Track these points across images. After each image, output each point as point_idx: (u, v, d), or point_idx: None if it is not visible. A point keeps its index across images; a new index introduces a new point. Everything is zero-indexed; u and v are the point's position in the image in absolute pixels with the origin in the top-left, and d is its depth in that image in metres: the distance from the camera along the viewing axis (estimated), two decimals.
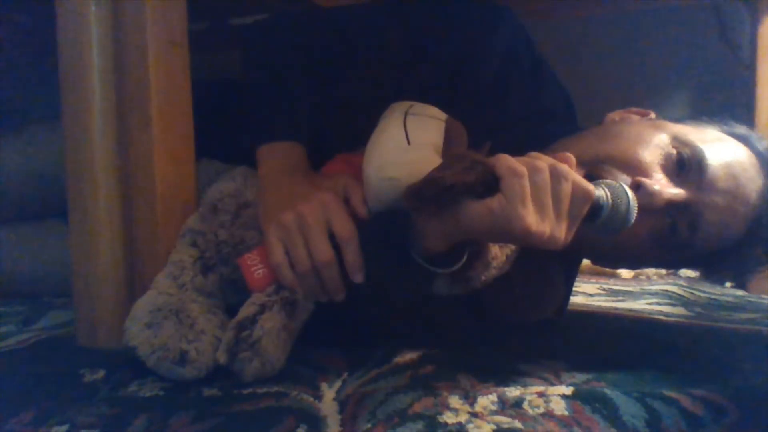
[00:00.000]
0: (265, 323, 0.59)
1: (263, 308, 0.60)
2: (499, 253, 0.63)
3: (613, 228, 0.59)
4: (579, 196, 0.55)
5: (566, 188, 0.54)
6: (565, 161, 0.56)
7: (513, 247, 0.64)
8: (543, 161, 0.54)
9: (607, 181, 0.61)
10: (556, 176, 0.53)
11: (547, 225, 0.53)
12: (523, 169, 0.53)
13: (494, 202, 0.53)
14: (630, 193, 0.59)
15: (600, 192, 0.58)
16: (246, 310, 0.61)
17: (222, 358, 0.59)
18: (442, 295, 0.64)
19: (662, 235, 0.69)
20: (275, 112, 0.75)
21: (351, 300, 0.64)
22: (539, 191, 0.53)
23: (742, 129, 0.75)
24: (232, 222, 0.67)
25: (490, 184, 0.53)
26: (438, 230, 0.57)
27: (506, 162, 0.53)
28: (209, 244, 0.66)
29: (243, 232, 0.67)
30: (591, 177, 0.62)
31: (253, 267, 0.63)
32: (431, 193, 0.54)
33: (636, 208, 0.59)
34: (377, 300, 0.65)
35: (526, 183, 0.52)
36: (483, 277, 0.63)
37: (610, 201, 0.58)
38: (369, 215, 0.62)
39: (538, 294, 0.76)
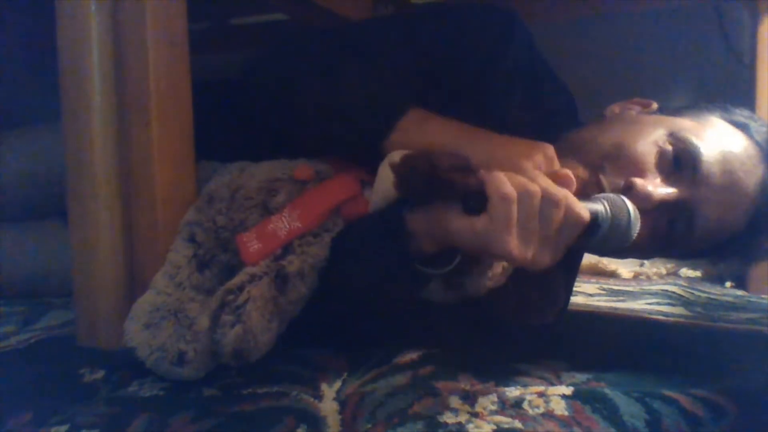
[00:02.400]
0: (253, 290, 0.59)
1: (253, 278, 0.60)
2: (494, 264, 0.63)
3: (613, 244, 0.58)
4: (571, 222, 0.54)
5: (557, 215, 0.53)
6: (565, 181, 0.55)
7: None
8: (538, 184, 0.53)
9: (611, 195, 0.59)
10: (549, 202, 0.53)
11: (531, 250, 0.53)
12: (513, 194, 0.52)
13: (479, 223, 0.53)
14: (632, 209, 0.58)
15: (599, 207, 0.57)
16: (236, 279, 0.60)
17: (204, 322, 0.58)
18: (436, 302, 0.64)
19: (660, 233, 0.69)
20: (377, 93, 0.70)
21: (348, 302, 0.64)
22: (527, 217, 0.52)
23: (742, 116, 0.74)
24: (228, 207, 0.67)
25: (480, 200, 0.53)
26: (426, 232, 0.57)
27: (497, 183, 0.52)
28: (208, 232, 0.66)
29: (241, 215, 0.66)
30: (593, 184, 0.61)
31: (249, 243, 0.63)
32: (420, 170, 0.53)
33: (638, 226, 0.58)
34: (373, 302, 0.64)
35: (514, 209, 0.52)
36: (477, 286, 0.62)
37: (609, 219, 0.57)
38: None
39: (537, 299, 0.76)
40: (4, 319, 0.84)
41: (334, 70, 0.73)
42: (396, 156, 0.58)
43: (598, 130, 0.74)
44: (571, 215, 0.54)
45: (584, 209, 0.55)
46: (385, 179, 0.60)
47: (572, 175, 0.57)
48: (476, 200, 0.53)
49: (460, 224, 0.53)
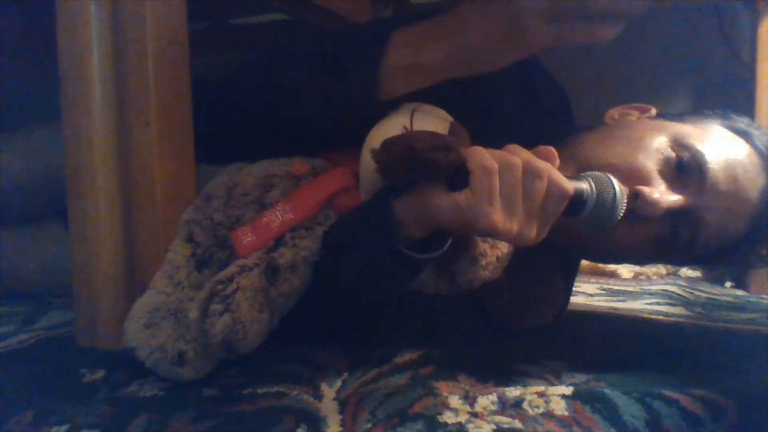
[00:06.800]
0: (242, 281, 0.58)
1: (243, 269, 0.60)
2: (488, 252, 0.62)
3: (599, 222, 0.58)
4: (554, 193, 0.53)
5: (539, 186, 0.53)
6: (546, 156, 0.55)
7: (505, 250, 0.63)
8: (518, 156, 0.53)
9: (596, 173, 0.59)
10: (530, 173, 0.53)
11: (515, 223, 0.53)
12: (494, 165, 0.52)
13: (461, 197, 0.52)
14: (618, 187, 0.58)
15: (584, 185, 0.57)
16: (226, 270, 0.60)
17: (193, 313, 0.58)
18: (428, 293, 0.63)
19: (663, 239, 0.69)
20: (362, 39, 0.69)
21: (343, 295, 0.64)
22: (509, 189, 0.52)
23: (743, 123, 0.74)
24: (225, 204, 0.67)
25: (462, 175, 0.53)
26: (412, 216, 0.56)
27: (478, 156, 0.52)
28: (206, 231, 0.66)
29: (238, 211, 0.66)
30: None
31: (243, 236, 0.63)
32: (400, 154, 0.52)
33: (624, 203, 0.58)
34: (367, 295, 0.64)
35: (496, 180, 0.52)
36: (470, 275, 0.62)
37: (594, 195, 0.57)
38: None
39: (536, 300, 0.75)
40: (4, 319, 0.84)
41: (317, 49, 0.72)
42: (375, 142, 0.58)
43: (599, 136, 0.74)
44: (554, 186, 0.53)
45: (568, 181, 0.54)
46: (368, 166, 0.60)
47: (554, 150, 0.56)
48: (459, 176, 0.53)
49: (444, 201, 0.53)
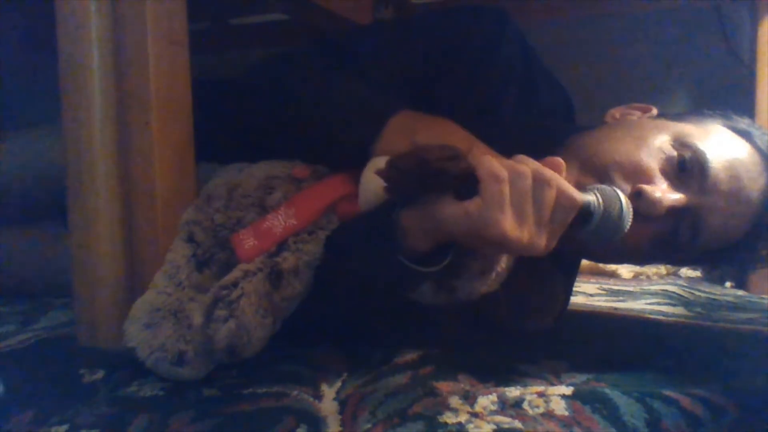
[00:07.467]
0: (246, 286, 0.58)
1: (247, 274, 0.60)
2: (488, 268, 0.62)
3: (606, 235, 0.58)
4: (564, 203, 0.54)
5: (549, 195, 0.53)
6: (554, 166, 0.55)
7: (504, 265, 0.63)
8: (527, 165, 0.53)
9: (602, 186, 0.59)
10: (540, 182, 0.53)
11: (526, 232, 0.53)
12: (504, 174, 0.52)
13: (471, 205, 0.52)
14: (624, 199, 0.58)
15: (591, 198, 0.57)
16: (230, 275, 0.60)
17: (197, 318, 0.58)
18: (426, 304, 0.63)
19: (664, 239, 0.69)
20: (370, 100, 0.70)
21: (344, 300, 0.64)
22: (519, 197, 0.52)
23: (744, 123, 0.74)
24: (226, 205, 0.67)
25: (471, 185, 0.52)
26: (418, 227, 0.56)
27: (487, 165, 0.52)
28: (207, 231, 0.66)
29: (239, 213, 0.66)
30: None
31: (245, 240, 0.63)
32: (409, 167, 0.52)
33: (630, 216, 0.58)
34: (367, 301, 0.64)
35: (506, 188, 0.52)
36: (469, 289, 0.62)
37: (601, 208, 0.57)
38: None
39: (536, 303, 0.75)
40: (4, 319, 0.84)
41: (326, 77, 0.73)
42: (380, 161, 0.57)
43: (600, 136, 0.73)
44: (563, 196, 0.53)
45: (577, 191, 0.55)
46: (369, 186, 0.60)
47: (562, 162, 0.56)
48: (468, 184, 0.52)
49: (453, 210, 0.53)
